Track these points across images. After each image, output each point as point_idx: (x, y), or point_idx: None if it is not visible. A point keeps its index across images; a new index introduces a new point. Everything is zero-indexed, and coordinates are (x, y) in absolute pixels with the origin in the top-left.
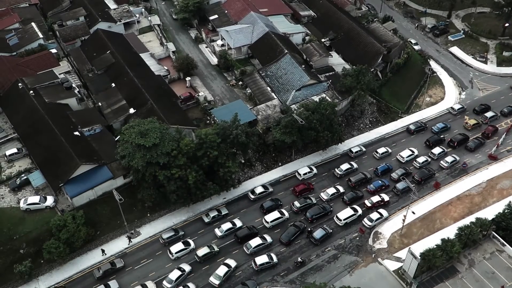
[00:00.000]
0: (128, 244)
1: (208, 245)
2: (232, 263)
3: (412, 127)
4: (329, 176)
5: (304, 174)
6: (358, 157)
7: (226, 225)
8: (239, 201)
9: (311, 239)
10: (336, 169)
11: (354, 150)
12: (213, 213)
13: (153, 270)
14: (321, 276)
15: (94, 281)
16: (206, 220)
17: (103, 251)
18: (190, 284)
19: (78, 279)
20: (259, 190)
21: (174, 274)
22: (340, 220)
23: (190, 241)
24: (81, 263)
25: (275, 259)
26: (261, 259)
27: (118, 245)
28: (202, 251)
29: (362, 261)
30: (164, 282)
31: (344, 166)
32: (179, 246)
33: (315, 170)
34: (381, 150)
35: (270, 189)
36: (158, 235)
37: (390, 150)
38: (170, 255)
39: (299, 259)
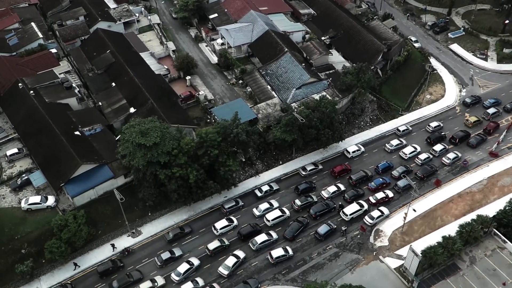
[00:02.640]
0: (113, 250)
1: (219, 239)
2: (241, 254)
3: (468, 100)
4: (329, 175)
5: (309, 170)
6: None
7: (264, 205)
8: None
9: (315, 235)
10: (386, 145)
11: (393, 143)
12: (265, 188)
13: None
14: (323, 274)
15: (165, 244)
16: (259, 194)
17: (113, 245)
18: (198, 279)
19: (79, 279)
20: (310, 167)
21: (183, 267)
22: (346, 215)
23: (233, 218)
24: (83, 262)
25: (290, 252)
26: (277, 252)
27: (120, 244)
28: (213, 245)
29: (363, 259)
30: (172, 275)
31: (394, 142)
32: (223, 222)
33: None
34: (434, 124)
35: (318, 166)
36: (159, 234)
37: (441, 124)
38: (215, 231)
39: (343, 228)
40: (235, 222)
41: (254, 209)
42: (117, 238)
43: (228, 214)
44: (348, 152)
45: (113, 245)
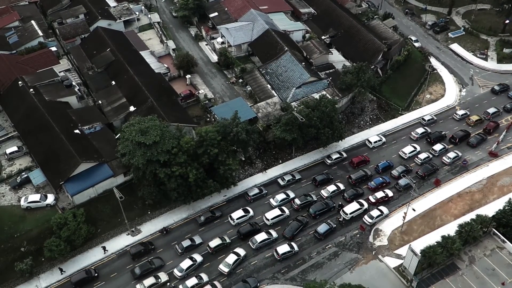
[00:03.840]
0: (104, 253)
1: (220, 236)
2: (241, 252)
3: (496, 88)
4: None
5: (335, 158)
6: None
7: (281, 196)
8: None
9: (315, 234)
10: (412, 133)
11: (419, 131)
12: (288, 177)
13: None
14: (322, 273)
15: (198, 225)
16: (282, 183)
17: (104, 248)
18: (202, 275)
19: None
20: (335, 156)
21: (185, 264)
22: (347, 214)
23: (249, 209)
24: (82, 261)
25: (296, 247)
26: (283, 248)
27: (119, 242)
28: (214, 243)
29: (362, 258)
30: (175, 271)
31: (420, 130)
32: (239, 213)
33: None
34: (461, 112)
35: (343, 154)
36: (156, 234)
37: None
38: (231, 221)
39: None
40: (251, 212)
41: (271, 199)
42: (116, 236)
43: (252, 202)
44: (370, 142)
45: (104, 248)
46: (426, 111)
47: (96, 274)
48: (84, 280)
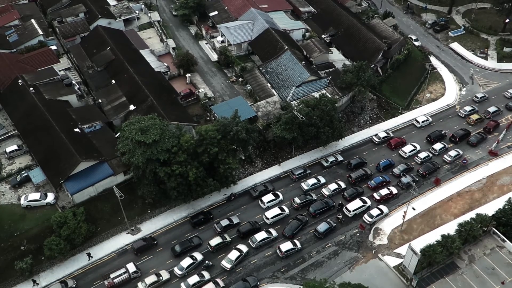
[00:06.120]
0: (89, 260)
1: (220, 235)
2: (244, 248)
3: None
4: (330, 173)
5: (383, 137)
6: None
7: (311, 180)
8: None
9: (315, 233)
10: (460, 110)
11: (467, 109)
12: (331, 159)
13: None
14: (322, 272)
15: (252, 198)
16: (325, 164)
17: (89, 255)
18: (204, 272)
19: (80, 275)
20: (383, 134)
21: (186, 262)
22: (350, 212)
23: (279, 193)
24: (82, 259)
25: (299, 245)
26: (286, 246)
27: (119, 241)
28: (215, 241)
29: (362, 257)
30: (176, 269)
31: (468, 108)
32: (269, 197)
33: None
34: (468, 108)
35: (390, 134)
36: (158, 231)
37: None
38: (262, 205)
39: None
40: (281, 197)
41: (302, 184)
42: (116, 235)
43: (297, 181)
44: (418, 122)
45: (88, 254)
46: (426, 111)
47: (155, 242)
48: (144, 247)
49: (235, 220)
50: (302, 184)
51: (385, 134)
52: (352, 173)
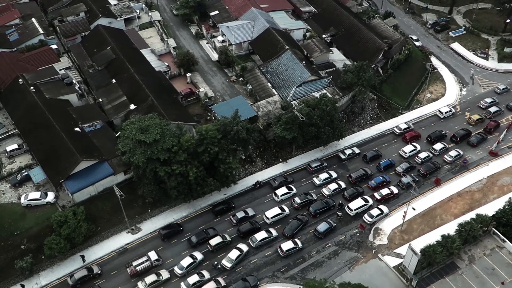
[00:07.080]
0: (83, 262)
1: (220, 235)
2: (244, 247)
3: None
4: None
5: (404, 129)
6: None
7: (324, 175)
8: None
9: (315, 233)
10: (481, 101)
11: (487, 100)
12: (348, 151)
13: None
14: (322, 272)
15: (272, 189)
16: (343, 156)
17: (82, 257)
18: (204, 272)
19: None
20: (403, 126)
21: (186, 261)
22: (352, 210)
23: (293, 187)
24: (82, 259)
25: (300, 244)
26: (287, 245)
27: (119, 241)
28: (215, 241)
29: (362, 257)
30: (176, 268)
31: (488, 99)
32: (283, 190)
33: (412, 126)
34: (489, 100)
35: (410, 126)
36: (158, 231)
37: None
38: (275, 197)
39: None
40: (294, 190)
41: (315, 178)
42: (116, 234)
43: (314, 173)
44: (441, 113)
45: (82, 257)
46: (426, 110)
47: (181, 228)
48: (171, 232)
49: (251, 212)
50: (314, 179)
51: (406, 126)
52: (353, 173)
